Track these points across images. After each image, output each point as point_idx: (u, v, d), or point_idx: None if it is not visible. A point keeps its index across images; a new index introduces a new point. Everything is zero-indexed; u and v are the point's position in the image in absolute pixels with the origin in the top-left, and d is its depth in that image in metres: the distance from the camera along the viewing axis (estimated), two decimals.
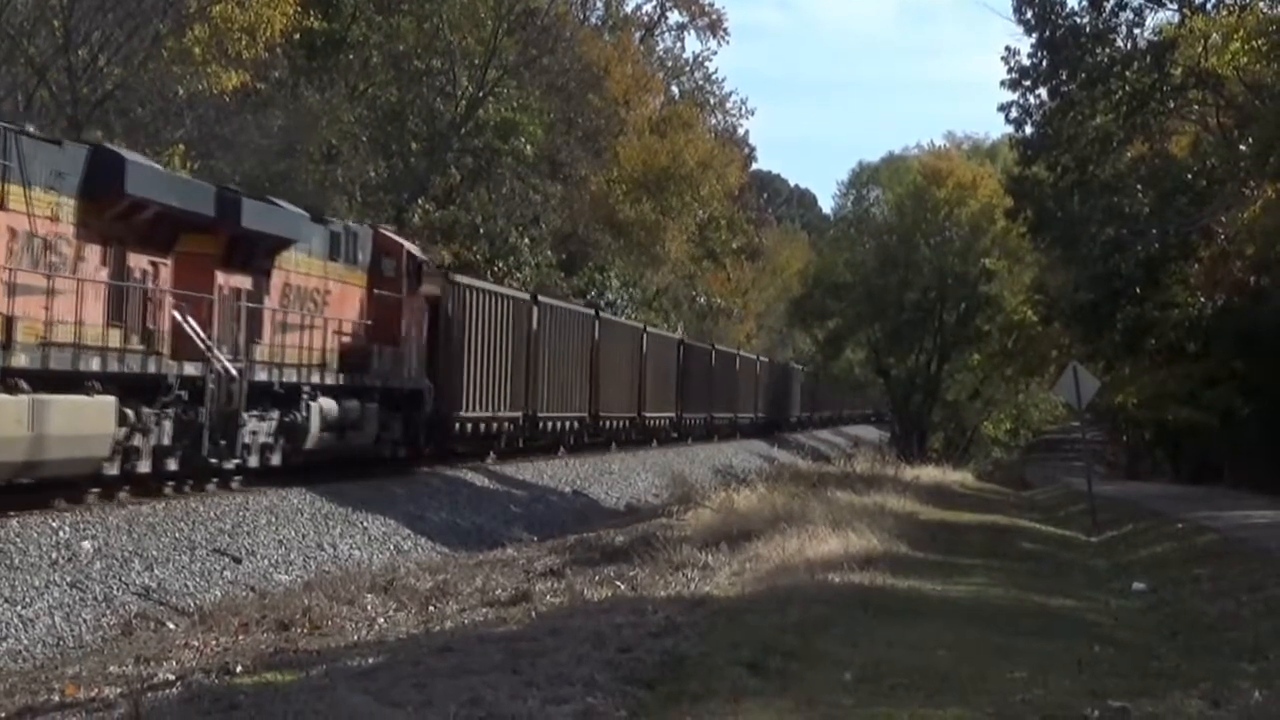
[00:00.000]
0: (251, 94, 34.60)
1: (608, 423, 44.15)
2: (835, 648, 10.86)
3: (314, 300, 25.26)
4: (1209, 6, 36.25)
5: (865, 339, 69.35)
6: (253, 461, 22.81)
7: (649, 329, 50.38)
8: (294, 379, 24.09)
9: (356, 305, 27.01)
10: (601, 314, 44.43)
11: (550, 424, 39.23)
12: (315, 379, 24.82)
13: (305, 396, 24.34)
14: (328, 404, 25.04)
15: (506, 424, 35.51)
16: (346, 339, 26.43)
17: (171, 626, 16.02)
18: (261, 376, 22.89)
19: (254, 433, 22.74)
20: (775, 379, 76.21)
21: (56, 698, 11.84)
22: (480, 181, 43.97)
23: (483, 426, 33.65)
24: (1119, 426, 58.28)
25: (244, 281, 22.69)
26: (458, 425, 31.81)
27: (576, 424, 41.61)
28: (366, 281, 27.32)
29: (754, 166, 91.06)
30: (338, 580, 19.10)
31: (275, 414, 23.49)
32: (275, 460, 23.58)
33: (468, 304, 32.05)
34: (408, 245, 28.97)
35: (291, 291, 24.34)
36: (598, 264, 58.24)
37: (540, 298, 38.76)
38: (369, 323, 27.20)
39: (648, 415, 48.79)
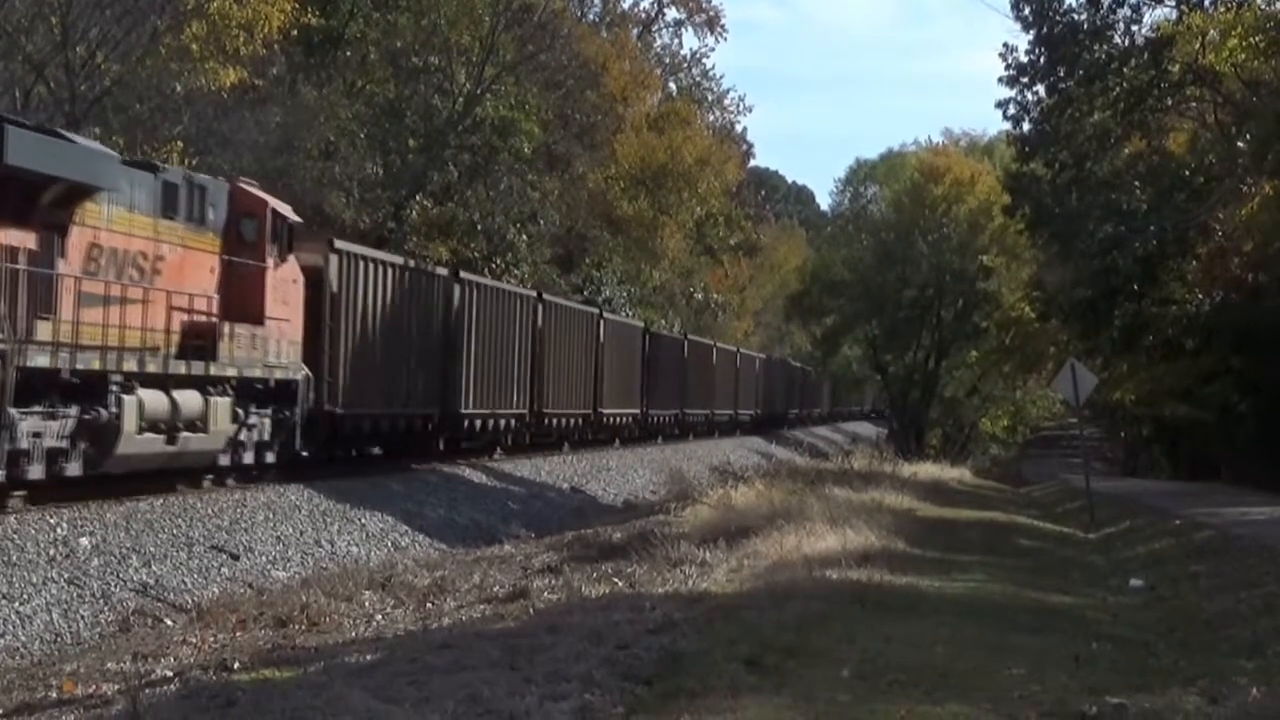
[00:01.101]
0: (249, 91, 34.56)
1: (553, 420, 39.72)
2: (833, 644, 10.87)
3: (139, 267, 20.10)
4: (1206, 3, 36.28)
5: (863, 336, 69.34)
6: (34, 473, 17.75)
7: (605, 316, 45.65)
8: (98, 365, 18.84)
9: (204, 275, 21.62)
10: (545, 296, 39.60)
11: (481, 422, 34.24)
12: (132, 365, 19.58)
13: (115, 389, 19.21)
14: (151, 397, 19.89)
15: (419, 421, 30.75)
16: (187, 317, 21.20)
17: (169, 623, 16.03)
18: (41, 361, 17.71)
19: (35, 435, 17.66)
20: (773, 376, 76.08)
21: (54, 694, 11.86)
22: (478, 178, 43.94)
23: (387, 424, 29.15)
24: (1117, 423, 58.36)
25: (19, 238, 17.48)
26: (349, 424, 27.40)
27: (515, 421, 36.85)
28: (220, 246, 22.08)
29: (752, 163, 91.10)
30: (336, 577, 19.11)
31: (74, 411, 18.49)
32: (73, 469, 18.56)
33: (358, 277, 27.47)
34: (275, 204, 23.88)
35: (102, 255, 19.23)
36: (595, 261, 58.21)
37: (464, 274, 33.84)
38: (220, 297, 21.91)
39: (606, 412, 44.47)
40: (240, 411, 22.38)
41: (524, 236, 46.09)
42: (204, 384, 21.22)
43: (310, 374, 24.90)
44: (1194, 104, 39.07)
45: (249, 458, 23.13)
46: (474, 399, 33.47)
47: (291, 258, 24.26)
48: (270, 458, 23.83)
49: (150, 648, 14.20)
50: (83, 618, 15.62)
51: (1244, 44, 31.22)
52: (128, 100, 32.47)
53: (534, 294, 38.68)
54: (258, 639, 14.33)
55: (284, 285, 24.06)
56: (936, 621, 12.51)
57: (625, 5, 68.68)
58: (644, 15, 70.90)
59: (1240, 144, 34.16)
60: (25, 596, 15.40)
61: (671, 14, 71.90)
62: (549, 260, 50.56)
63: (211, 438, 21.45)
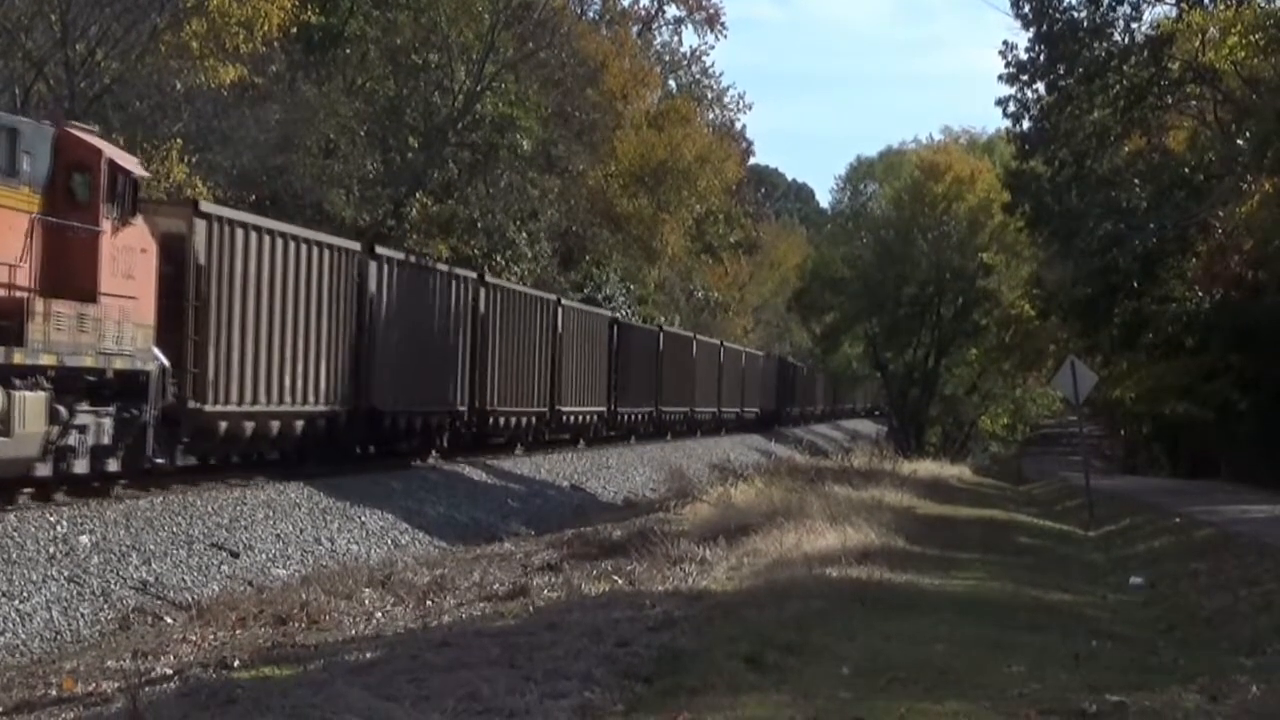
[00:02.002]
0: (249, 88, 34.56)
1: (500, 419, 35.71)
2: (833, 642, 10.87)
3: None
4: (1206, 1, 36.27)
5: (863, 333, 69.31)
6: None
7: (564, 303, 41.58)
8: None
9: (9, 239, 17.31)
10: (489, 279, 35.63)
11: (408, 420, 30.05)
12: None
13: None
14: None
15: (322, 421, 26.30)
16: None
17: (169, 621, 16.03)
18: None
19: None
20: (765, 373, 75.73)
21: (54, 692, 11.85)
22: (478, 176, 43.92)
23: (281, 424, 24.69)
24: (1116, 421, 58.33)
25: None
26: (227, 425, 23.03)
27: (451, 420, 32.85)
28: (38, 204, 17.91)
29: (752, 161, 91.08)
30: (335, 575, 19.10)
31: None
32: None
33: (235, 248, 22.89)
34: (115, 154, 19.58)
35: None
36: (595, 259, 58.19)
37: (380, 250, 29.46)
38: (34, 267, 17.64)
39: (564, 410, 40.37)
40: (62, 410, 17.93)
41: (524, 234, 46.08)
42: (5, 375, 16.86)
43: (167, 364, 20.30)
44: (1194, 102, 39.09)
45: (81, 466, 18.83)
46: (397, 393, 29.23)
47: (139, 221, 19.81)
48: (113, 465, 19.59)
49: (150, 645, 14.19)
50: (82, 615, 15.62)
51: (1244, 41, 31.23)
52: (128, 98, 32.46)
53: (474, 275, 34.47)
54: (257, 637, 14.33)
55: (127, 255, 19.39)
56: (936, 619, 12.51)
57: (625, 3, 68.69)
58: (644, 13, 70.93)
59: (1240, 142, 34.17)
60: (25, 594, 15.40)
61: (671, 11, 71.97)
62: (549, 258, 50.52)
63: (16, 442, 16.92)
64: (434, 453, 31.86)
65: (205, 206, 23.08)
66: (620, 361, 46.37)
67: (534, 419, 38.17)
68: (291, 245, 25.06)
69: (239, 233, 23.17)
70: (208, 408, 22.17)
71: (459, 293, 32.79)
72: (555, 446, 39.33)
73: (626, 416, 47.60)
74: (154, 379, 19.94)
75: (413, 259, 31.95)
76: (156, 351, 20.12)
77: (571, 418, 41.30)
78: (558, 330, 39.80)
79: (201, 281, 22.00)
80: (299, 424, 25.38)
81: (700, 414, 58.61)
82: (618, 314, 51.46)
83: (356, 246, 28.32)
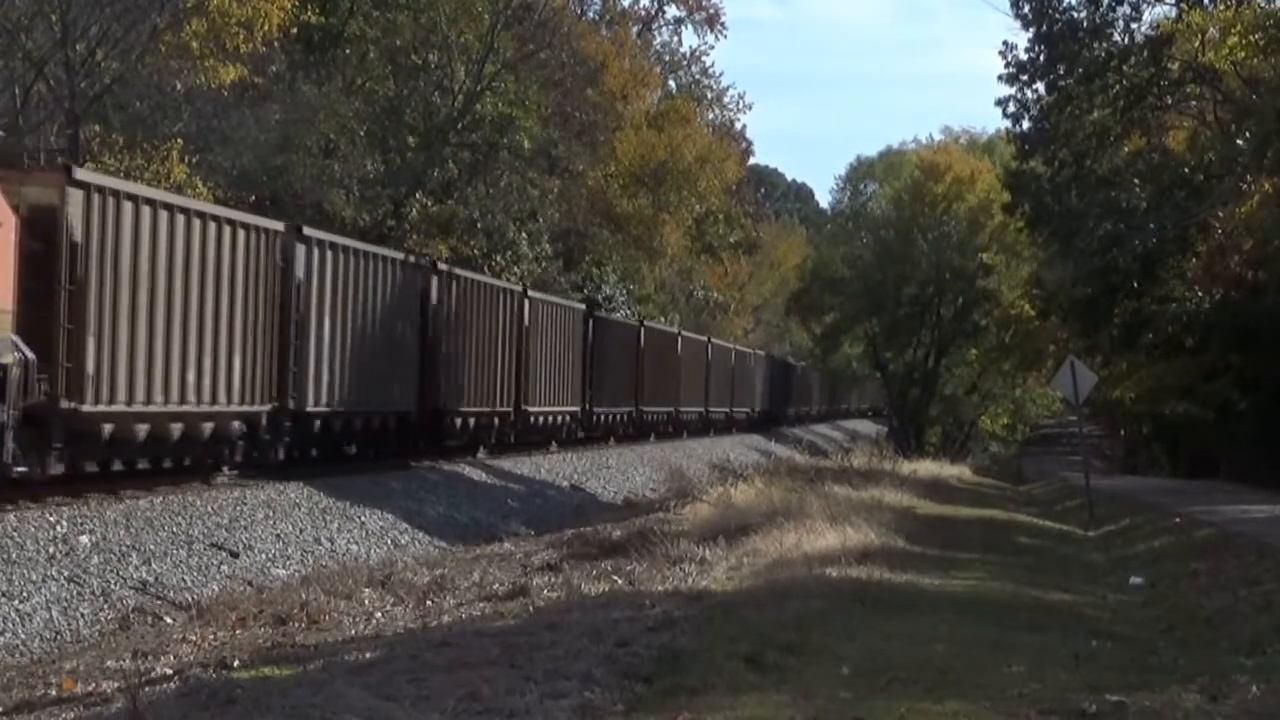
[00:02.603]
0: (249, 88, 34.55)
1: (458, 420, 32.73)
2: (833, 642, 10.87)
3: None
4: (1206, 1, 36.28)
5: (863, 333, 69.36)
6: None
7: (531, 295, 38.24)
8: None
9: None
10: (442, 267, 32.62)
11: (343, 423, 26.98)
12: None
13: None
14: None
15: (233, 422, 22.98)
16: None
17: (169, 621, 16.03)
18: None
19: None
20: (759, 371, 75.28)
21: (54, 692, 11.85)
22: (478, 176, 43.91)
23: (181, 426, 21.30)
24: (1116, 421, 58.35)
25: None
26: (105, 427, 19.70)
27: (399, 421, 29.53)
28: None
29: (751, 161, 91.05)
30: (335, 575, 19.10)
31: None
32: None
33: (122, 224, 19.82)
34: None
35: None
36: (595, 259, 58.18)
37: (309, 231, 26.23)
38: None
39: (533, 410, 37.43)
40: None
41: (524, 234, 46.07)
42: None
43: (31, 356, 17.37)
44: (1194, 102, 39.12)
45: None
46: (332, 392, 26.14)
47: None
48: None
49: (150, 645, 14.19)
50: (82, 615, 15.63)
51: (1243, 42, 31.25)
52: (128, 98, 32.45)
53: (428, 261, 31.86)
54: (257, 637, 14.33)
55: None
56: (936, 619, 12.51)
57: (625, 3, 68.69)
58: (644, 13, 70.91)
59: (1240, 142, 34.18)
60: (25, 594, 15.40)
61: (671, 12, 71.94)
62: (550, 258, 50.50)
63: None
64: (432, 456, 30.34)
65: (81, 174, 19.73)
66: (596, 358, 43.47)
67: (497, 420, 35.06)
68: (196, 223, 21.78)
69: (127, 206, 19.94)
70: (86, 408, 18.96)
71: (407, 281, 29.63)
72: (531, 448, 37.19)
73: (603, 417, 44.72)
74: (11, 374, 16.89)
75: (349, 243, 28.21)
76: (16, 341, 17.13)
77: (540, 418, 38.29)
78: (524, 323, 36.66)
79: (78, 262, 18.85)
80: (207, 426, 22.11)
81: (685, 414, 55.90)
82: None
83: (279, 227, 24.99)
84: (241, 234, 23.21)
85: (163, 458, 22.00)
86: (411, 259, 30.92)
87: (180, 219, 21.31)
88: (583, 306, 43.86)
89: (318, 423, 25.97)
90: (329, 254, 26.36)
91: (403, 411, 29.65)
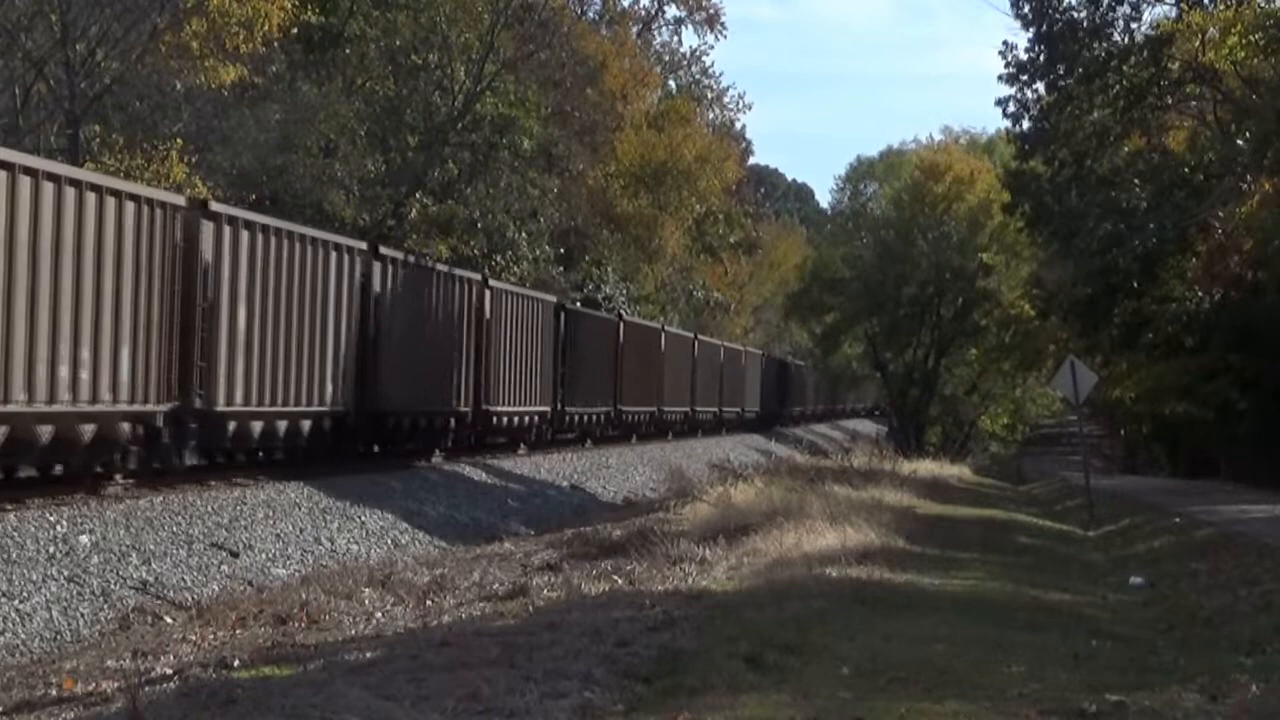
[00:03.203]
0: (249, 88, 34.58)
1: (405, 423, 29.57)
2: (832, 642, 10.87)
3: None
4: (1206, 1, 36.28)
5: (863, 333, 69.30)
6: None
7: (492, 285, 35.16)
8: None
9: None
10: (385, 251, 29.17)
11: (241, 425, 23.17)
12: None
13: None
14: None
15: (124, 423, 20.08)
16: None
17: (169, 620, 16.02)
18: None
19: None
20: (761, 371, 74.96)
21: (54, 692, 11.84)
22: (477, 176, 43.91)
23: (46, 432, 18.36)
24: (1116, 421, 58.34)
25: None
26: None
27: (333, 424, 26.27)
28: None
29: (751, 161, 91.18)
30: (335, 574, 19.10)
31: None
32: None
33: None
34: None
35: None
36: (595, 259, 58.18)
37: (217, 206, 23.39)
38: None
39: (495, 410, 34.43)
40: None
41: (524, 234, 46.06)
42: None
43: None
44: (1194, 102, 39.11)
45: None
46: (241, 390, 22.95)
47: None
48: None
49: (150, 645, 14.19)
50: (82, 615, 15.63)
51: (1243, 41, 31.25)
52: (128, 98, 32.48)
53: (363, 245, 28.07)
54: (257, 636, 14.32)
55: None
56: (936, 619, 12.51)
57: (625, 3, 68.73)
58: (644, 13, 70.97)
59: (1240, 142, 34.19)
60: (25, 594, 15.41)
61: (671, 11, 72.01)
62: (550, 258, 50.49)
63: None
64: (371, 462, 26.91)
65: None
66: (568, 354, 40.57)
67: (453, 421, 32.28)
68: (70, 192, 18.61)
69: None
70: None
71: (338, 266, 26.09)
72: (495, 451, 34.80)
73: (578, 418, 41.81)
74: None
75: (270, 221, 25.02)
76: None
77: (504, 419, 35.35)
78: (484, 315, 33.78)
79: None
80: (87, 429, 19.27)
81: (670, 414, 53.03)
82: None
83: (182, 201, 22.18)
84: (140, 208, 20.25)
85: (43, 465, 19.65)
86: (348, 243, 27.26)
87: (48, 187, 18.13)
88: (553, 299, 40.61)
89: (234, 424, 22.97)
90: (242, 233, 23.16)
91: (338, 412, 26.30)
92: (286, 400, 24.39)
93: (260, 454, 24.93)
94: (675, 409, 54.00)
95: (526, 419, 37.11)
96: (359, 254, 27.44)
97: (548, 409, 38.72)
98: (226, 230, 22.74)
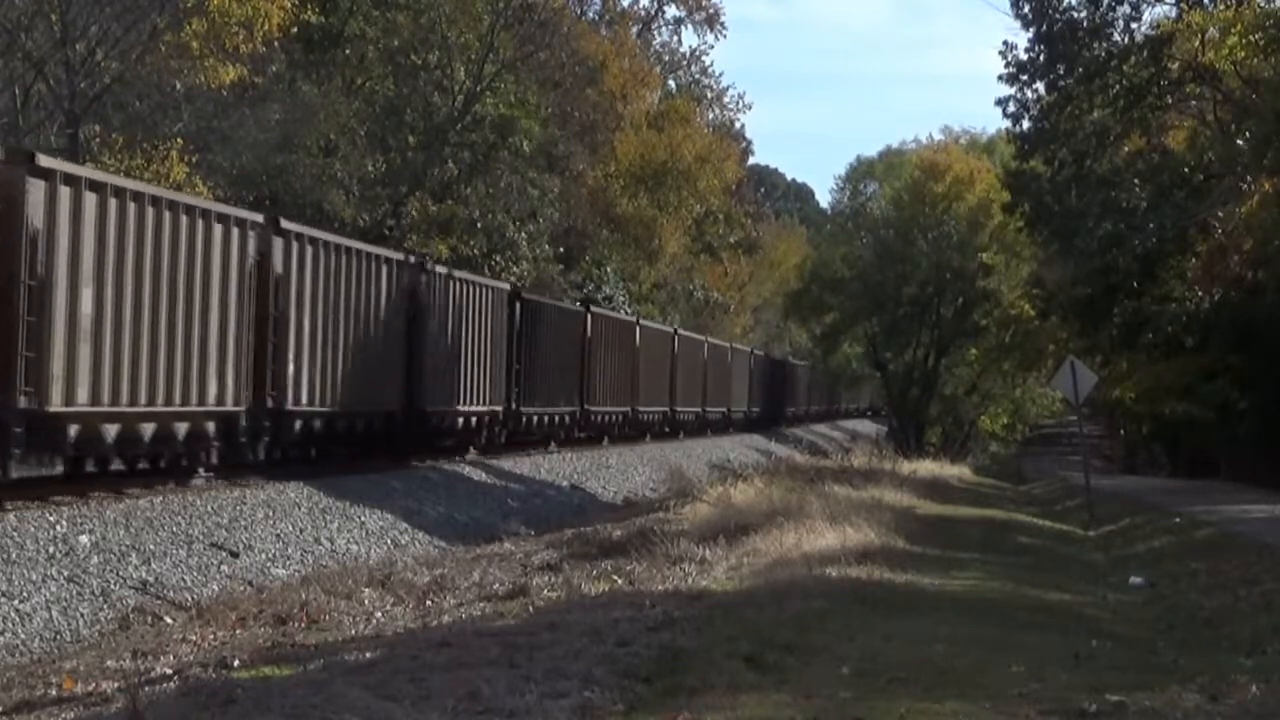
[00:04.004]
0: (249, 88, 34.59)
1: (314, 424, 25.42)
2: (832, 641, 10.86)
3: None
4: (1206, 1, 36.30)
5: (863, 333, 69.30)
6: None
7: (433, 270, 31.46)
8: None
9: None
10: (287, 226, 24.75)
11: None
12: None
13: None
14: None
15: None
16: None
17: (169, 621, 16.02)
18: None
19: None
20: (748, 370, 73.92)
21: (54, 692, 11.84)
22: (477, 176, 43.94)
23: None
24: (1116, 420, 58.36)
25: None
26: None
27: (225, 426, 22.42)
28: None
29: (751, 161, 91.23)
30: (335, 574, 19.09)
31: None
32: None
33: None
34: None
35: None
36: (595, 259, 58.20)
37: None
38: None
39: (434, 410, 30.80)
40: None
41: (524, 234, 46.08)
42: None
43: None
44: (1193, 101, 39.14)
45: None
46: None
47: None
48: None
49: (150, 645, 14.19)
50: (82, 615, 15.62)
51: (1243, 41, 31.26)
52: (128, 98, 32.50)
53: (259, 219, 23.84)
54: (257, 636, 14.32)
55: None
56: (936, 619, 12.51)
57: (625, 3, 68.79)
58: (643, 13, 71.05)
59: (1240, 141, 34.18)
60: (25, 594, 15.40)
61: (671, 12, 72.11)
62: (550, 258, 50.51)
63: None
64: (262, 469, 23.88)
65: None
66: (524, 348, 36.33)
67: (378, 422, 28.23)
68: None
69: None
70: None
71: (232, 243, 22.30)
72: (438, 455, 31.27)
73: (536, 418, 37.76)
74: None
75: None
76: None
77: (444, 419, 31.61)
78: (422, 302, 30.11)
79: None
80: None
81: (646, 415, 49.06)
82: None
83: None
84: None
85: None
86: (242, 215, 23.03)
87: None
88: (506, 286, 36.53)
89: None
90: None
91: (228, 414, 22.59)
92: (153, 399, 21.28)
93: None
94: (652, 409, 50.21)
95: (473, 419, 33.07)
96: (254, 229, 23.06)
97: (499, 408, 34.62)
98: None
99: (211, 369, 21.80)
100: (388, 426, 28.72)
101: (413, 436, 29.93)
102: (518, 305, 36.21)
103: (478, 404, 33.05)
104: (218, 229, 22.04)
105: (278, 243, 23.81)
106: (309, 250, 24.84)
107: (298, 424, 24.51)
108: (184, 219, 21.05)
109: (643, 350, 48.59)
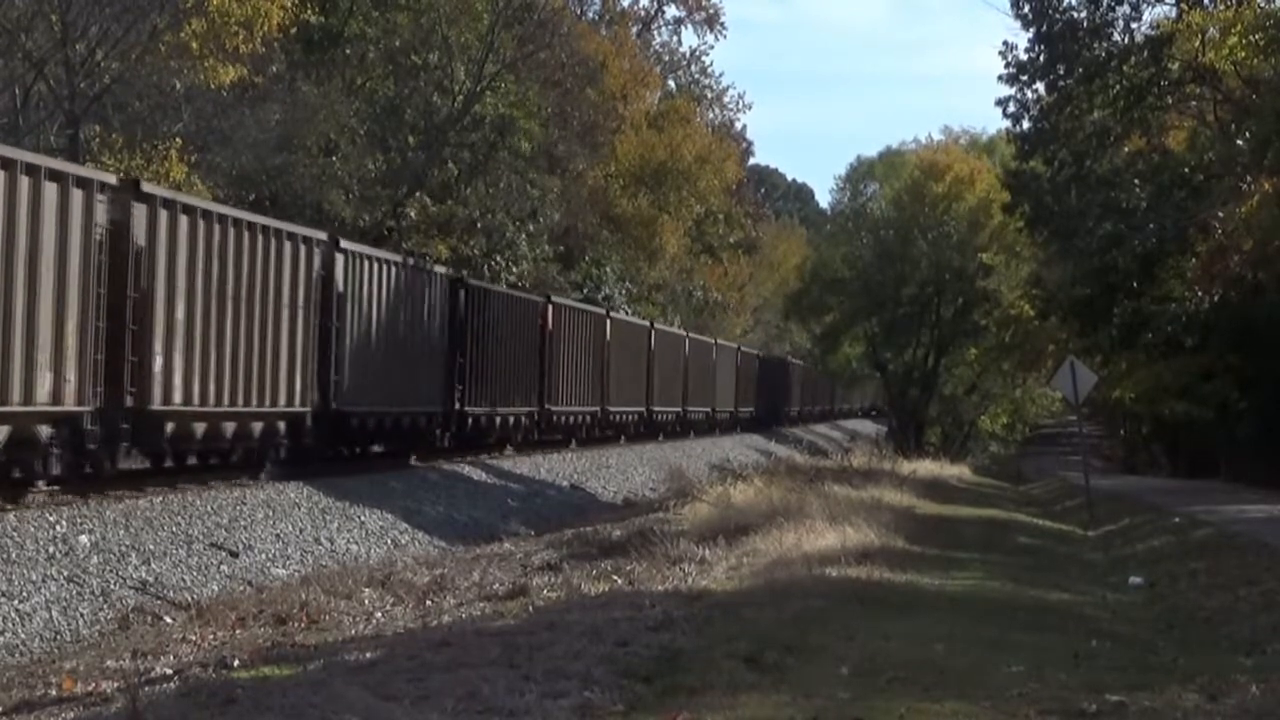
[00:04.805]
0: (249, 88, 34.58)
1: (196, 429, 21.77)
2: (832, 642, 10.86)
3: None
4: (1206, 1, 36.29)
5: (862, 333, 69.28)
6: None
7: (345, 247, 27.32)
8: None
9: None
10: (153, 190, 21.42)
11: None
12: None
13: None
14: None
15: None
16: None
17: (169, 621, 16.03)
18: None
19: None
20: (739, 369, 73.31)
21: (54, 692, 11.85)
22: (477, 176, 43.93)
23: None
24: (1116, 420, 58.37)
25: None
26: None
27: (69, 428, 18.62)
28: None
29: (751, 161, 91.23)
30: (335, 575, 19.10)
31: None
32: None
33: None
34: None
35: None
36: (595, 259, 58.18)
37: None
38: None
39: (353, 410, 27.15)
40: None
41: (524, 234, 46.06)
42: None
43: None
44: (1194, 102, 39.11)
45: None
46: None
47: None
48: None
49: (150, 645, 14.19)
50: (82, 615, 15.62)
51: (1243, 41, 31.25)
52: (127, 98, 32.50)
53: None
54: (257, 636, 14.33)
55: None
56: (936, 619, 12.51)
57: (625, 3, 68.79)
58: (643, 13, 71.05)
59: (1240, 142, 34.19)
60: (25, 594, 15.40)
61: (671, 12, 72.13)
62: (549, 258, 50.47)
63: None
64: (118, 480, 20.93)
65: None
66: (466, 339, 32.89)
67: (281, 424, 24.62)
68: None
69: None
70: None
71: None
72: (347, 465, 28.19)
73: (484, 419, 34.23)
74: None
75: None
76: None
77: (363, 420, 27.94)
78: (335, 289, 26.32)
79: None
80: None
81: (617, 415, 45.86)
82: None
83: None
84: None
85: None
86: (88, 176, 19.47)
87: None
88: (446, 271, 33.28)
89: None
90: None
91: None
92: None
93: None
94: (625, 409, 46.76)
95: (406, 420, 29.92)
96: (108, 195, 19.74)
97: (438, 409, 31.24)
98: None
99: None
100: (293, 426, 24.97)
101: (319, 435, 25.96)
102: (461, 294, 32.67)
103: (410, 405, 29.68)
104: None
105: (138, 216, 20.87)
106: (180, 224, 21.37)
107: (172, 428, 21.39)
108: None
109: (614, 345, 45.20)
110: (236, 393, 22.71)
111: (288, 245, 24.47)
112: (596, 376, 43.05)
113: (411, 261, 31.87)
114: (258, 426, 23.69)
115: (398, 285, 29.50)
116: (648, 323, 53.13)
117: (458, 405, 32.70)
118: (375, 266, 28.41)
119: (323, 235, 26.54)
